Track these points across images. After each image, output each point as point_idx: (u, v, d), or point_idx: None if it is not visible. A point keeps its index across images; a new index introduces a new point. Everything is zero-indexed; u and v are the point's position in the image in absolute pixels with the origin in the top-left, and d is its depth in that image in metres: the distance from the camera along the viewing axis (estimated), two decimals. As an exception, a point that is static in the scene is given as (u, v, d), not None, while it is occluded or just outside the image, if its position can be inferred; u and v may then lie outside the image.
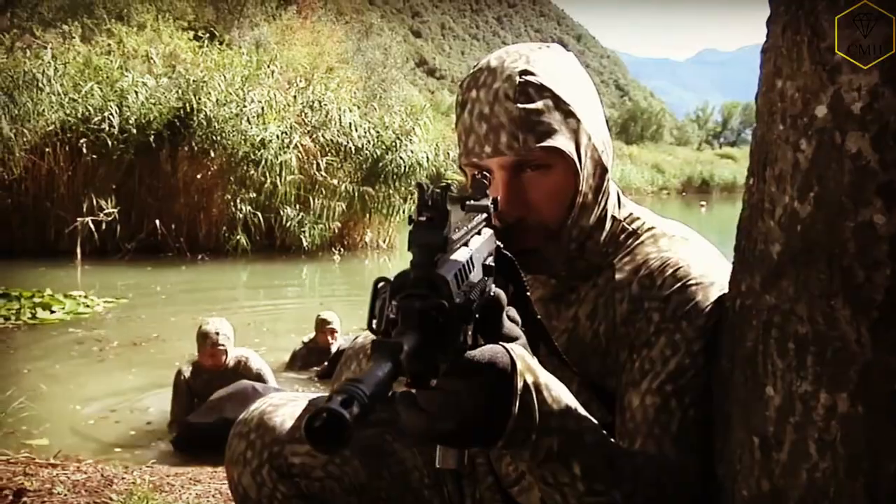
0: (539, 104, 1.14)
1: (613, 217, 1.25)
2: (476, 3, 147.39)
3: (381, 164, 13.39)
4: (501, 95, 1.14)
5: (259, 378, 4.60)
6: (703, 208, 32.12)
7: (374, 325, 0.74)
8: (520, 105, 1.13)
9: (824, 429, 0.84)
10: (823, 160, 0.84)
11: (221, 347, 4.53)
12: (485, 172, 1.12)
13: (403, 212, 13.62)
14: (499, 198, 1.12)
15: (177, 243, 12.22)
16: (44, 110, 11.69)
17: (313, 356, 5.84)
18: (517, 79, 1.14)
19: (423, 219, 0.75)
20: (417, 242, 0.74)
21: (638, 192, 39.56)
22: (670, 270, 1.15)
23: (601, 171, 1.20)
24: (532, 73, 1.15)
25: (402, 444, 1.36)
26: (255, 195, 12.51)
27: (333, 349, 5.68)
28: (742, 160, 61.36)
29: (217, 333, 4.52)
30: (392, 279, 0.75)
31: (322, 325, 5.75)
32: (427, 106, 16.82)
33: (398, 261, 13.33)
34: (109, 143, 11.76)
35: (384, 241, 14.07)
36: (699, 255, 1.18)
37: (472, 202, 1.04)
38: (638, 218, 1.26)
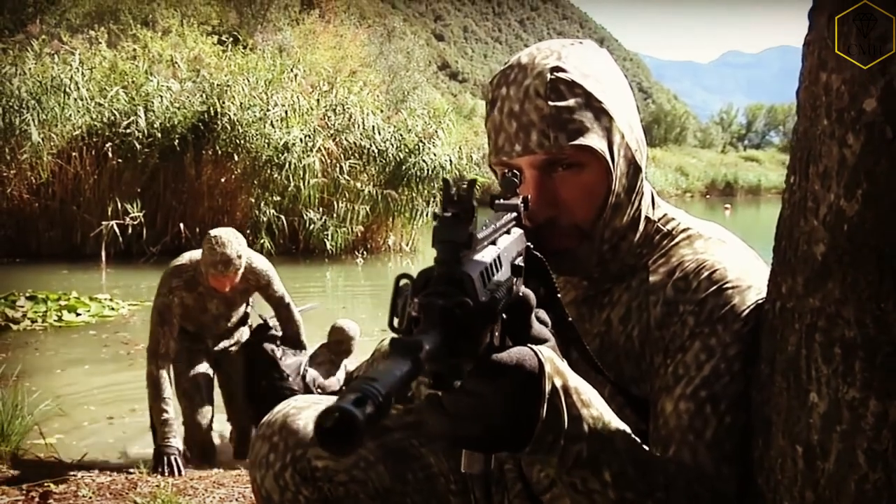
0: (570, 101, 1.11)
1: (647, 218, 1.21)
2: (498, 6, 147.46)
3: (404, 167, 13.39)
4: (532, 92, 1.11)
5: (267, 282, 3.99)
6: (727, 211, 31.82)
7: (395, 324, 0.71)
8: (551, 102, 1.10)
9: (874, 438, 0.80)
10: (872, 156, 0.81)
11: (240, 273, 3.72)
12: (515, 171, 1.09)
13: (426, 215, 13.59)
14: (529, 197, 1.09)
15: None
16: (70, 115, 11.80)
17: (324, 369, 5.24)
18: (548, 75, 1.11)
19: (447, 214, 0.72)
20: (442, 239, 0.71)
21: (662, 195, 39.01)
22: (706, 273, 1.12)
23: (634, 170, 1.17)
24: (563, 70, 1.12)
25: (428, 448, 1.33)
26: (278, 199, 12.54)
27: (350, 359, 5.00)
28: (767, 163, 60.99)
29: (240, 257, 3.66)
30: (415, 276, 0.72)
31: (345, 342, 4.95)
32: (450, 109, 16.77)
33: (421, 264, 13.20)
34: (135, 147, 11.86)
35: (407, 245, 14.07)
36: (736, 257, 1.15)
37: (502, 201, 1.02)
38: (673, 219, 1.23)
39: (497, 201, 1.02)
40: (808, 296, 0.90)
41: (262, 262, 4.02)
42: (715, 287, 1.10)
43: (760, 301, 1.07)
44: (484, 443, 0.85)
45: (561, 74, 1.11)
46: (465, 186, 0.73)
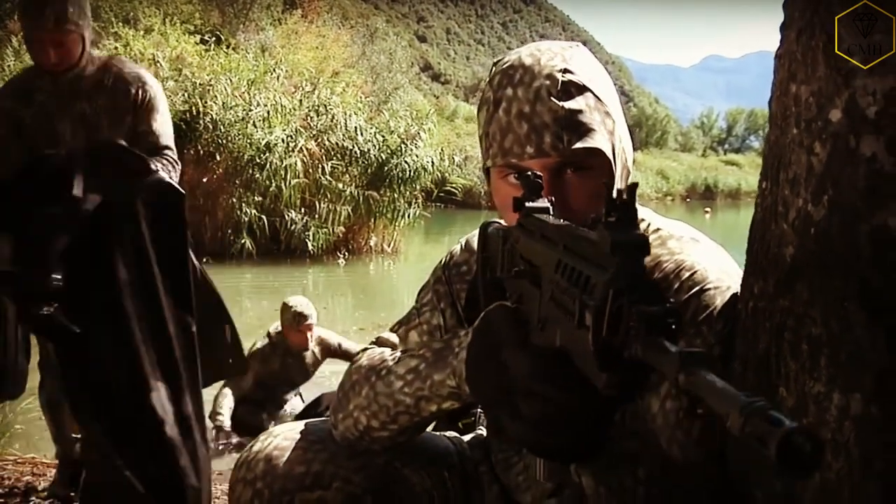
0: (581, 103, 1.10)
1: None
2: (481, 8, 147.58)
3: (386, 168, 13.42)
4: (544, 94, 1.09)
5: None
6: (707, 214, 32.04)
7: (603, 336, 0.68)
8: (564, 104, 1.09)
9: (837, 429, 0.85)
10: (838, 164, 0.85)
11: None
12: (537, 172, 1.05)
13: (408, 216, 13.64)
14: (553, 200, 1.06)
15: (182, 246, 12.19)
16: (50, 113, 11.72)
17: (276, 360, 4.61)
18: (559, 77, 1.10)
19: (612, 219, 0.71)
20: (620, 245, 0.69)
21: (643, 198, 39.36)
22: (686, 274, 1.11)
23: (627, 174, 1.18)
24: (572, 72, 1.11)
25: (410, 468, 1.29)
26: (260, 199, 12.53)
27: (308, 356, 4.67)
28: (746, 167, 61.36)
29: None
30: (613, 288, 0.68)
31: (296, 320, 4.50)
32: (432, 111, 16.81)
33: (402, 265, 13.34)
34: (115, 145, 11.79)
35: (389, 246, 14.09)
36: (713, 257, 1.16)
37: (532, 204, 1.00)
38: (643, 219, 1.23)
39: (527, 204, 0.99)
40: (778, 297, 0.94)
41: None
42: (697, 288, 1.10)
43: (735, 300, 1.10)
44: (566, 452, 0.84)
45: (571, 76, 1.11)
46: (626, 190, 0.72)
